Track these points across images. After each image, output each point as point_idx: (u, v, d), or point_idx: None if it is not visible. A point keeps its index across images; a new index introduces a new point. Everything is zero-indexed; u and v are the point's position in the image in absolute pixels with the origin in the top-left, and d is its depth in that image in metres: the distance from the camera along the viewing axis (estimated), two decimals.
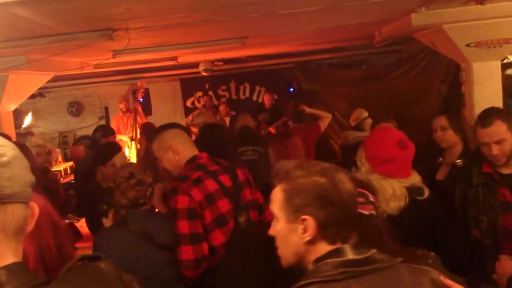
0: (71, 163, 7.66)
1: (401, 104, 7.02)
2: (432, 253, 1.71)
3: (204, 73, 7.52)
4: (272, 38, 6.06)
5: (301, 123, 5.34)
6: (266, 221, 2.71)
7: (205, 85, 10.00)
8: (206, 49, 6.03)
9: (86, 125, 10.23)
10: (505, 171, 2.62)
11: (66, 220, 4.49)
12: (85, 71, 6.79)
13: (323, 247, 1.29)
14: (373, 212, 1.63)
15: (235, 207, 2.57)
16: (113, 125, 8.27)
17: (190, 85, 10.08)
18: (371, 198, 1.65)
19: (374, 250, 1.27)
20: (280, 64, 9.25)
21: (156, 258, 2.41)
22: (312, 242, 1.29)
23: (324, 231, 1.28)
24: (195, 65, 7.68)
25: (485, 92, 4.97)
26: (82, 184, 4.65)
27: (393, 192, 2.23)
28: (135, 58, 6.32)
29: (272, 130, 7.38)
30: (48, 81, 6.49)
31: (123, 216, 2.47)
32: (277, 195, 1.34)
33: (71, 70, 6.16)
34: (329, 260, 1.24)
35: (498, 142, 2.52)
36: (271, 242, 1.43)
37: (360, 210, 1.50)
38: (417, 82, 7.52)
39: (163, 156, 2.67)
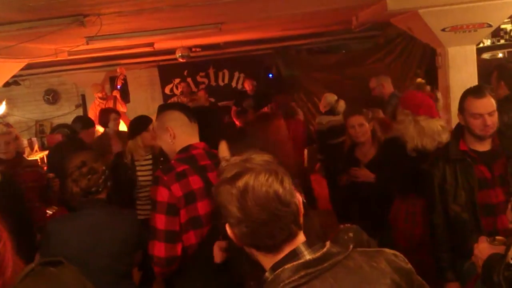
0: (47, 152, 7.55)
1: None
2: (354, 226, 1.77)
3: (181, 60, 7.44)
4: (249, 23, 6.01)
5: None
6: None
7: (183, 71, 9.91)
8: (183, 35, 5.95)
9: (63, 113, 10.07)
10: (481, 148, 2.71)
11: (48, 211, 4.42)
12: (60, 58, 6.66)
13: (259, 256, 1.24)
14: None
15: (217, 210, 2.40)
16: (90, 113, 8.16)
17: (168, 72, 9.97)
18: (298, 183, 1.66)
19: (327, 245, 1.22)
20: (259, 50, 9.20)
21: (110, 249, 2.39)
22: (248, 248, 1.25)
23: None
24: (173, 51, 7.59)
25: (461, 76, 5.00)
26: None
27: (440, 127, 3.17)
28: (110, 44, 6.21)
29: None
30: (23, 69, 6.35)
31: (76, 205, 2.46)
32: None
33: (45, 57, 6.03)
34: (287, 266, 1.18)
35: (491, 114, 2.62)
36: None
37: None
38: (394, 66, 7.55)
39: (161, 137, 2.55)
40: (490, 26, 4.90)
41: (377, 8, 4.98)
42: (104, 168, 2.51)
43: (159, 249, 2.27)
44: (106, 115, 5.67)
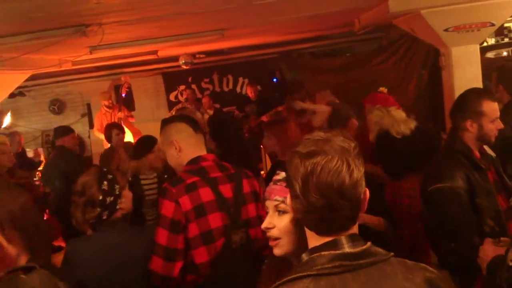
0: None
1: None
2: None
3: (184, 66, 7.47)
4: (252, 29, 6.02)
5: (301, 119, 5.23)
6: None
7: (187, 78, 9.92)
8: (186, 41, 5.96)
9: (69, 123, 10.03)
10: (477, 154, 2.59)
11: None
12: (64, 68, 6.70)
13: (308, 232, 1.25)
14: None
15: (229, 224, 2.29)
16: (96, 122, 8.19)
17: (172, 79, 9.99)
18: None
19: (369, 243, 1.22)
20: (262, 54, 9.20)
21: (130, 272, 2.24)
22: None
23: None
24: (177, 58, 7.62)
25: (465, 76, 4.97)
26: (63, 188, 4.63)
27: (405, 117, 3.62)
28: (113, 53, 6.24)
29: (265, 119, 7.38)
30: (28, 80, 6.39)
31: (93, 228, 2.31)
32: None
33: (49, 68, 6.07)
34: (324, 253, 1.19)
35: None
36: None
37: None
38: (398, 68, 7.53)
39: (167, 151, 2.47)
40: (493, 25, 4.87)
41: (379, 10, 4.97)
42: (101, 197, 2.26)
43: (156, 264, 2.20)
44: (109, 131, 5.74)
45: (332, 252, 1.18)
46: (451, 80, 5.02)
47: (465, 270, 2.26)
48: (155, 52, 7.14)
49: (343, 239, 1.20)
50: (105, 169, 2.42)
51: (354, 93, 6.41)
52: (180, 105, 8.66)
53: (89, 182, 2.29)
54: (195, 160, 2.38)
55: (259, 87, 8.93)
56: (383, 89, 5.42)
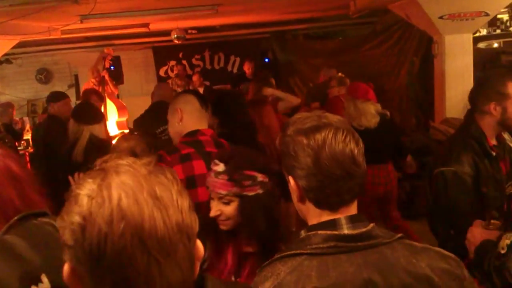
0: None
1: (374, 76, 7.03)
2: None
3: (176, 41, 7.36)
4: (247, 6, 5.95)
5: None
6: None
7: (178, 54, 9.82)
8: (179, 16, 5.88)
9: None
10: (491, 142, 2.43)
11: None
12: (53, 37, 6.57)
13: (313, 211, 1.25)
14: (259, 191, 1.70)
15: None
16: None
17: (163, 54, 9.87)
18: (260, 179, 1.70)
19: (371, 225, 1.20)
20: (255, 33, 9.13)
21: None
22: (302, 201, 1.27)
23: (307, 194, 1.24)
24: (168, 33, 7.50)
25: (457, 65, 5.00)
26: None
27: (372, 112, 3.84)
28: (104, 24, 6.13)
29: (248, 97, 7.30)
30: (15, 47, 6.26)
31: None
32: None
33: (38, 35, 5.95)
34: (321, 232, 1.18)
35: None
36: None
37: (245, 193, 1.67)
38: (390, 54, 7.53)
39: (170, 119, 2.52)
40: (487, 15, 4.88)
41: None
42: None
43: None
44: (87, 96, 5.64)
45: (329, 232, 1.18)
46: (443, 68, 5.05)
47: (463, 258, 2.16)
48: (146, 25, 7.04)
49: (343, 219, 1.20)
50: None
51: (346, 77, 6.40)
52: (170, 81, 8.58)
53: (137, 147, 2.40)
54: (193, 133, 2.43)
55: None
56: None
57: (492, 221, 1.93)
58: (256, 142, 3.26)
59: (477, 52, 5.47)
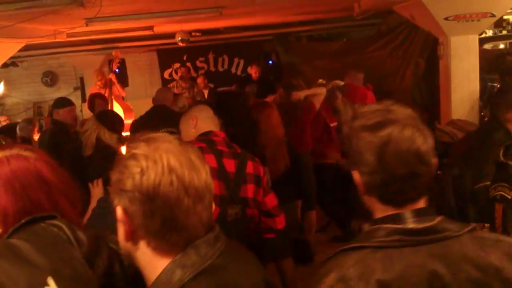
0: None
1: (379, 78, 7.03)
2: None
3: (181, 44, 7.38)
4: (250, 8, 5.95)
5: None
6: (275, 227, 2.59)
7: (183, 56, 9.84)
8: (183, 18, 5.89)
9: (61, 96, 9.94)
10: None
11: None
12: (59, 40, 6.60)
13: (377, 205, 1.22)
14: None
15: (226, 196, 2.36)
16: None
17: (167, 56, 9.90)
18: None
19: (438, 219, 1.17)
20: (259, 36, 9.13)
21: None
22: (367, 195, 1.24)
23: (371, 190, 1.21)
24: (172, 35, 7.52)
25: (462, 66, 4.98)
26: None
27: None
28: (109, 27, 6.16)
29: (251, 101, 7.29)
30: (21, 50, 6.29)
31: None
32: None
33: (43, 38, 5.97)
34: (385, 225, 1.17)
35: None
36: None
37: None
38: (395, 55, 7.52)
39: (184, 127, 2.59)
40: (493, 16, 4.86)
41: None
42: None
43: None
44: (92, 101, 5.65)
45: (393, 226, 1.16)
46: (448, 70, 5.03)
47: None
48: (151, 28, 7.06)
49: (408, 213, 1.17)
50: None
51: None
52: (174, 83, 8.60)
53: None
54: (206, 133, 2.49)
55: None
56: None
57: (486, 224, 1.93)
58: (257, 142, 3.29)
59: (483, 53, 5.45)
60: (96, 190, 2.63)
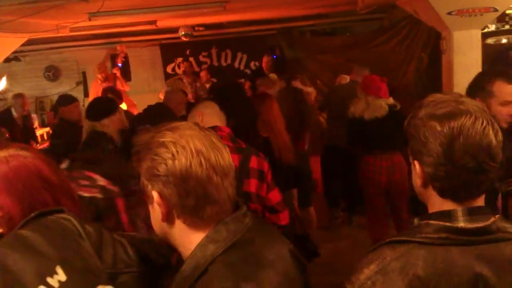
0: (47, 129, 7.54)
1: (382, 72, 7.01)
2: None
3: (184, 38, 7.38)
4: (254, 2, 5.94)
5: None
6: (278, 223, 2.60)
7: (185, 51, 9.83)
8: (186, 13, 5.88)
9: (63, 90, 9.96)
10: None
11: None
12: (61, 35, 6.61)
13: (435, 198, 1.18)
14: (97, 195, 1.71)
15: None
16: (92, 91, 8.10)
17: (170, 51, 9.89)
18: (101, 183, 1.73)
19: (492, 219, 1.11)
20: (262, 30, 9.12)
21: None
22: (425, 187, 1.20)
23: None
24: (175, 30, 7.52)
25: (465, 61, 4.96)
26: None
27: (381, 105, 4.11)
28: (112, 21, 6.15)
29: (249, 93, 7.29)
30: (24, 45, 6.29)
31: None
32: None
33: (46, 33, 5.97)
34: (433, 222, 1.13)
35: None
36: None
37: (81, 193, 1.69)
38: (398, 50, 7.50)
39: (190, 120, 2.60)
40: (496, 10, 4.84)
41: None
42: None
43: None
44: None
45: (441, 223, 1.12)
46: (451, 64, 5.01)
47: None
48: (154, 23, 7.06)
49: (459, 211, 1.13)
50: None
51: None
52: (176, 77, 8.57)
53: None
54: (212, 128, 2.46)
55: (257, 64, 8.80)
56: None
57: None
58: (257, 134, 3.30)
59: (485, 48, 5.44)
60: None
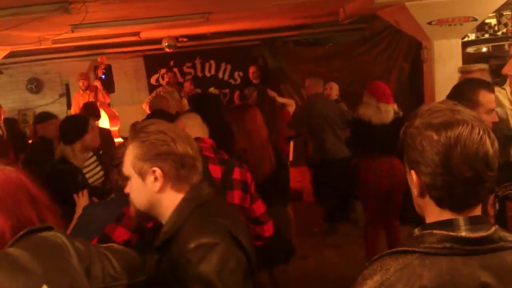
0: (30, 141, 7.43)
1: (364, 82, 7.08)
2: None
3: (167, 49, 7.38)
4: (237, 14, 5.98)
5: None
6: (262, 235, 2.61)
7: (169, 62, 9.82)
8: (170, 24, 5.90)
9: (46, 103, 9.92)
10: None
11: None
12: (44, 47, 6.57)
13: (433, 208, 1.16)
14: None
15: None
16: (74, 102, 8.05)
17: (154, 62, 9.87)
18: None
19: (493, 229, 1.11)
20: (246, 41, 9.16)
21: None
22: (422, 197, 1.18)
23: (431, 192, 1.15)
24: (159, 41, 7.52)
25: (446, 70, 5.04)
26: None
27: (390, 111, 4.16)
28: (95, 33, 6.14)
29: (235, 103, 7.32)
30: (6, 57, 6.25)
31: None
32: None
33: (29, 45, 5.94)
34: (436, 231, 1.11)
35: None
36: None
37: None
38: (379, 59, 7.60)
39: None
40: (475, 20, 4.95)
41: (365, 0, 4.99)
42: None
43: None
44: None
45: (445, 232, 1.10)
46: (432, 73, 5.10)
47: None
48: (137, 34, 7.05)
49: (461, 220, 1.12)
50: None
51: (336, 83, 6.45)
52: (160, 88, 8.56)
53: None
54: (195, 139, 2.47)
55: (241, 73, 8.81)
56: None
57: None
58: (232, 144, 3.30)
59: (466, 57, 5.54)
60: (82, 201, 2.64)
